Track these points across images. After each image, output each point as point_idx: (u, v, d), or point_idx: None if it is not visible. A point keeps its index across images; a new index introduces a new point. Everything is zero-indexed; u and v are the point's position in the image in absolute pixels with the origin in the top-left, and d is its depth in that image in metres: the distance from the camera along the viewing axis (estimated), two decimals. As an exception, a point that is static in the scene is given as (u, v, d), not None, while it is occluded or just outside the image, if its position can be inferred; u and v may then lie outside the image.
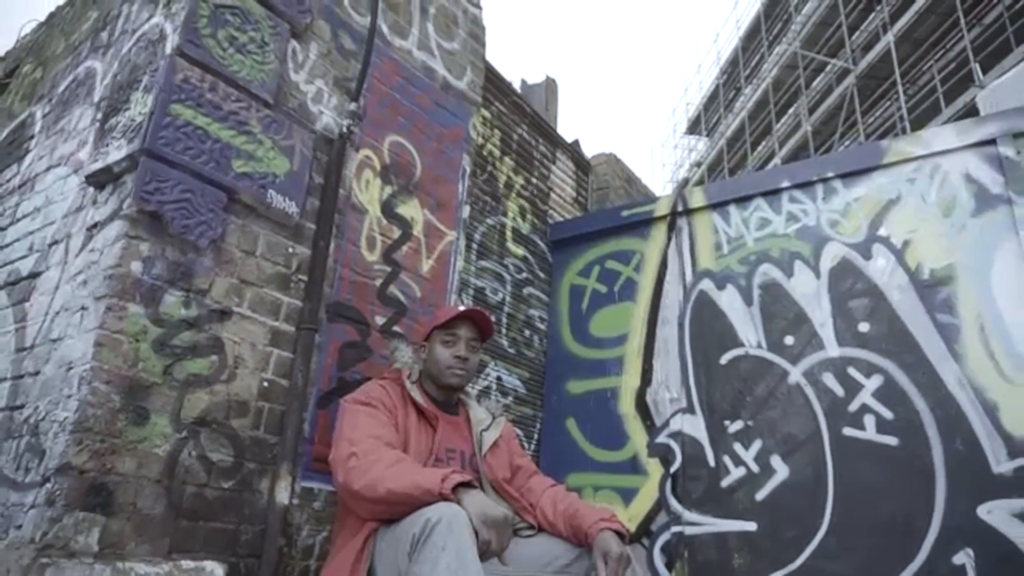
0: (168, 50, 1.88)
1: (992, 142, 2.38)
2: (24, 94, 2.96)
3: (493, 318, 2.96)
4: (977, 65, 14.46)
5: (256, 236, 1.96)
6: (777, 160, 21.76)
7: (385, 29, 2.53)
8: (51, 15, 3.57)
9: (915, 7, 15.27)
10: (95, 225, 1.81)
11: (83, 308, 1.68)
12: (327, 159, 2.19)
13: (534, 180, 3.42)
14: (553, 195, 3.55)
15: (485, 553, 1.40)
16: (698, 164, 28.81)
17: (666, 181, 31.62)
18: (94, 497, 1.51)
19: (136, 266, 1.67)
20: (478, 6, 3.07)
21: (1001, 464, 2.10)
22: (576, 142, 3.96)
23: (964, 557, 2.07)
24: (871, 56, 17.01)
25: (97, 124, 2.08)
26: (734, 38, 24.03)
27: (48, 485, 1.49)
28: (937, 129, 2.53)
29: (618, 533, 1.68)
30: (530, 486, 1.93)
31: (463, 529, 1.37)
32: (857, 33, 18.64)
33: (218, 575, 1.67)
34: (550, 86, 4.40)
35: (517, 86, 4.46)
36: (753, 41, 23.26)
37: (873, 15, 18.03)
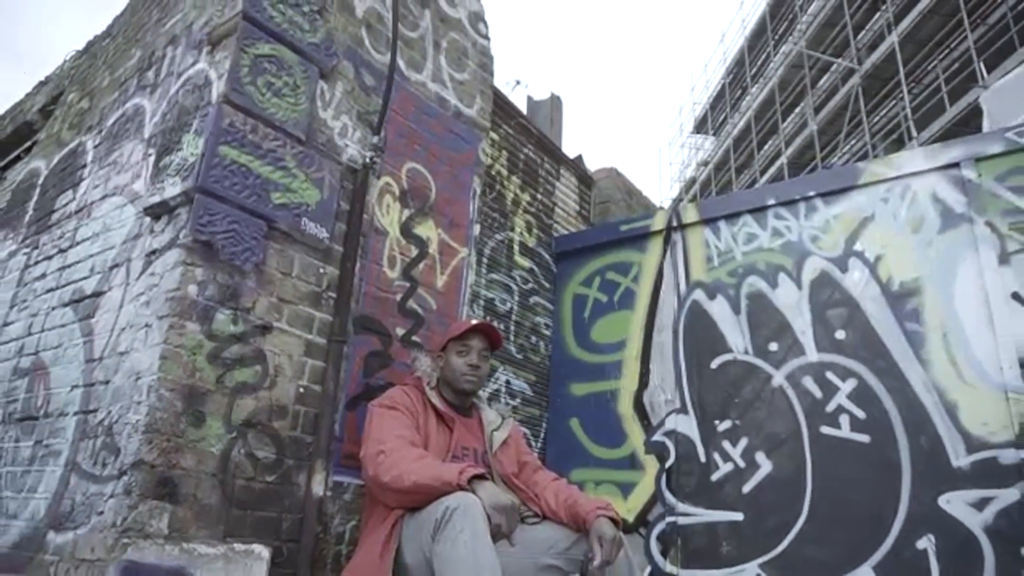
0: (215, 97, 2.14)
1: (956, 165, 2.61)
2: (72, 123, 3.24)
3: (502, 326, 3.21)
4: (982, 64, 14.55)
5: (292, 259, 2.22)
6: (783, 159, 21.88)
7: (402, 65, 2.79)
8: (90, 44, 3.85)
9: (919, 7, 15.37)
10: (153, 252, 2.08)
11: (147, 325, 1.94)
12: (352, 188, 2.45)
13: (540, 196, 3.67)
14: (558, 209, 3.79)
15: (496, 535, 1.65)
16: (705, 163, 28.93)
17: (673, 180, 31.71)
18: (163, 488, 1.77)
19: (192, 289, 1.93)
20: (486, 37, 3.32)
21: (960, 459, 2.33)
22: (579, 157, 4.21)
23: (926, 542, 2.31)
24: (875, 56, 17.12)
25: (150, 159, 2.34)
26: (740, 38, 24.11)
27: (125, 478, 1.75)
28: (908, 153, 2.76)
29: (612, 520, 1.93)
30: (535, 479, 2.18)
31: (478, 514, 1.62)
32: (862, 33, 18.73)
33: (264, 556, 1.93)
34: (555, 102, 4.64)
35: (524, 102, 4.71)
36: (759, 41, 23.35)
37: (878, 15, 18.12)
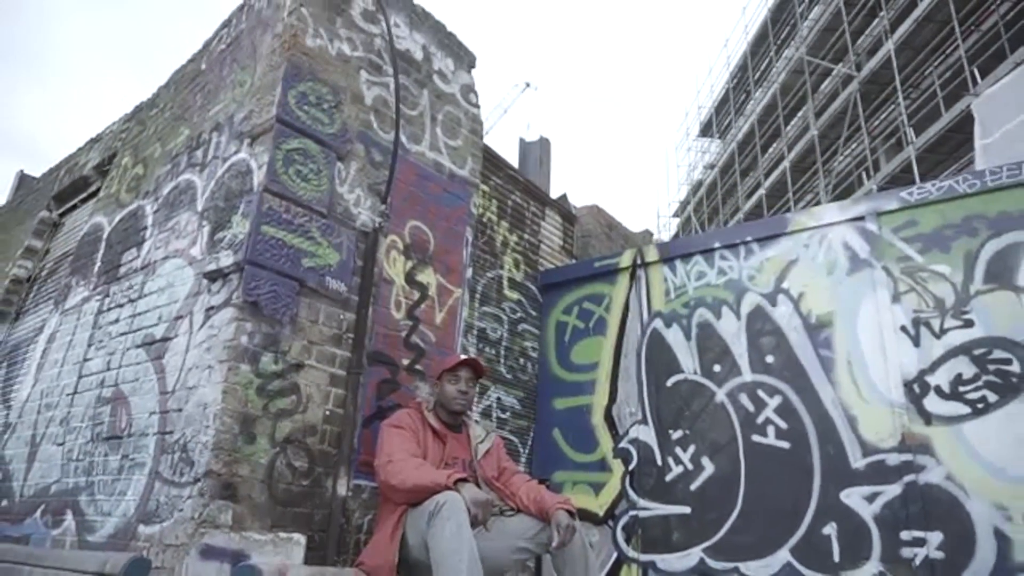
0: (256, 184, 2.74)
1: (862, 218, 3.16)
2: (129, 187, 3.86)
3: (493, 352, 3.79)
4: (976, 70, 14.92)
5: (318, 310, 2.81)
6: (786, 163, 22.27)
7: (404, 140, 3.38)
8: (137, 110, 4.48)
9: (914, 15, 15.77)
10: (212, 308, 2.68)
11: (210, 367, 2.54)
12: (365, 247, 3.04)
13: (526, 236, 4.25)
14: (543, 246, 4.37)
15: (475, 523, 2.23)
16: (711, 166, 29.32)
17: (680, 182, 32.10)
18: (226, 491, 2.37)
19: (244, 339, 2.53)
20: (476, 106, 3.90)
21: (857, 461, 2.88)
22: (563, 196, 4.78)
23: (830, 529, 2.86)
24: (873, 62, 17.52)
25: (204, 229, 2.95)
26: (743, 43, 24.50)
27: (199, 484, 2.35)
28: (825, 207, 3.31)
29: (569, 512, 2.50)
30: (512, 481, 2.75)
31: (461, 507, 2.20)
32: (862, 38, 19.11)
33: (301, 542, 2.52)
34: (544, 144, 5.24)
35: (516, 145, 5.28)
36: (761, 46, 23.75)
37: (876, 20, 18.49)
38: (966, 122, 14.46)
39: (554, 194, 4.98)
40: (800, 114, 22.42)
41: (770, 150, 24.39)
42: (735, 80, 25.80)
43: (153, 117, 4.11)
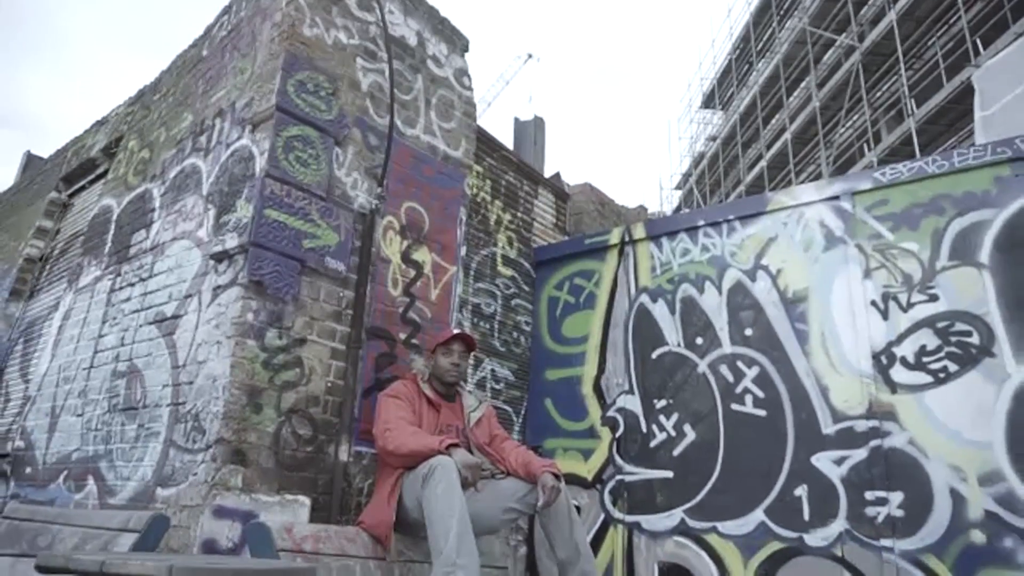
0: (258, 170, 2.90)
1: (837, 198, 3.30)
2: (136, 170, 4.01)
3: (487, 327, 3.96)
4: (979, 40, 14.86)
5: (319, 288, 2.98)
6: (788, 135, 22.23)
7: (399, 124, 3.51)
8: (141, 93, 4.61)
9: (916, -15, 15.61)
10: (219, 287, 2.85)
11: (218, 342, 2.72)
12: (362, 228, 3.20)
13: (520, 214, 4.39)
14: (536, 224, 4.52)
15: (465, 485, 2.42)
16: (713, 138, 29.22)
17: (683, 154, 32.02)
18: (237, 457, 2.56)
19: (250, 316, 2.71)
20: (470, 88, 4.03)
21: (828, 427, 3.06)
22: (556, 175, 4.91)
23: (801, 491, 3.05)
24: (875, 33, 17.42)
25: (210, 212, 3.11)
26: (746, 14, 24.30)
27: (211, 450, 2.54)
28: (803, 186, 3.45)
29: (555, 475, 2.69)
30: (502, 447, 2.94)
31: (451, 470, 2.39)
32: (865, 8, 18.95)
33: (306, 504, 2.71)
34: (538, 123, 5.37)
35: (511, 125, 5.40)
36: (764, 16, 23.56)
37: (878, -9, 18.31)
38: (967, 93, 14.43)
39: (548, 171, 5.11)
40: (803, 85, 22.31)
41: (772, 122, 24.31)
42: (738, 51, 25.62)
43: (157, 102, 4.25)
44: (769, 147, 23.64)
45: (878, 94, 18.73)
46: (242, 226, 2.81)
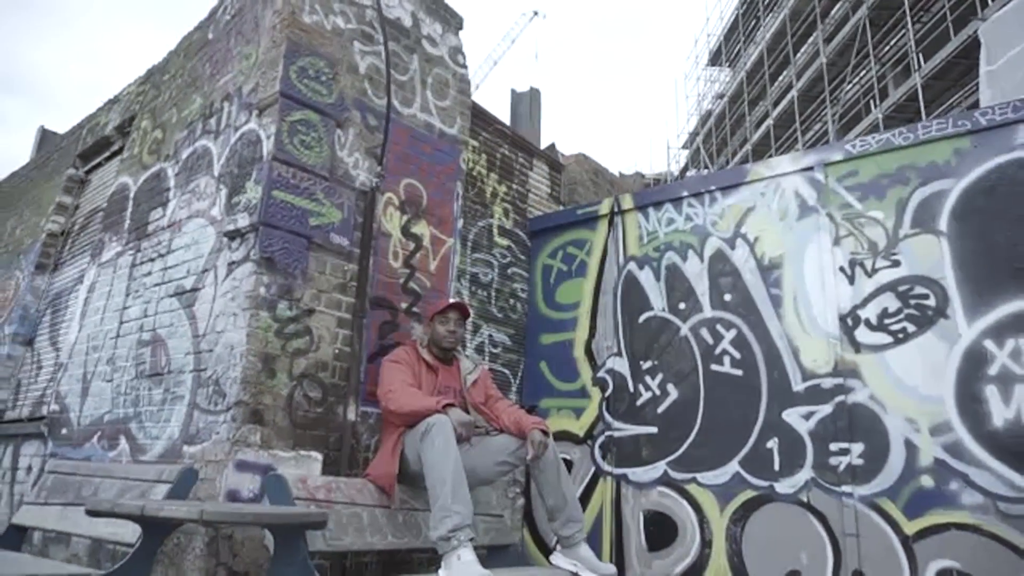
0: (266, 153, 3.11)
1: (811, 168, 3.49)
2: (150, 150, 4.23)
3: (484, 294, 4.21)
4: (986, -7, 14.64)
5: (325, 262, 3.22)
6: (794, 92, 22.04)
7: (397, 104, 3.70)
8: (150, 73, 4.80)
9: (923, -63, 15.36)
10: (233, 263, 3.10)
11: (234, 314, 2.98)
12: (364, 205, 3.42)
13: (515, 186, 4.60)
14: (531, 195, 4.72)
15: (459, 440, 2.69)
16: (720, 96, 28.95)
17: (690, 112, 31.75)
18: (254, 417, 2.84)
19: (262, 289, 2.96)
20: (464, 67, 4.20)
21: (797, 385, 3.31)
22: (551, 146, 5.10)
23: (773, 443, 3.31)
24: (882, -13, 17.14)
25: (222, 192, 3.34)
26: (753, -33, 23.84)
27: (231, 411, 2.82)
28: (780, 158, 3.64)
29: (543, 431, 2.96)
30: (497, 406, 3.21)
31: (447, 427, 2.66)
32: (873, -39, 18.60)
33: (318, 459, 3.00)
34: (534, 94, 5.54)
35: (508, 96, 5.55)
36: (771, -30, 23.10)
37: (888, -59, 17.98)
38: (974, 48, 14.29)
39: (545, 141, 5.29)
40: (810, 41, 22.04)
41: (779, 79, 24.07)
42: (745, 5, 25.24)
43: (167, 82, 4.44)
44: (775, 105, 23.45)
45: (885, 49, 18.52)
46: (252, 206, 3.05)
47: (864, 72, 19.20)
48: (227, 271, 3.12)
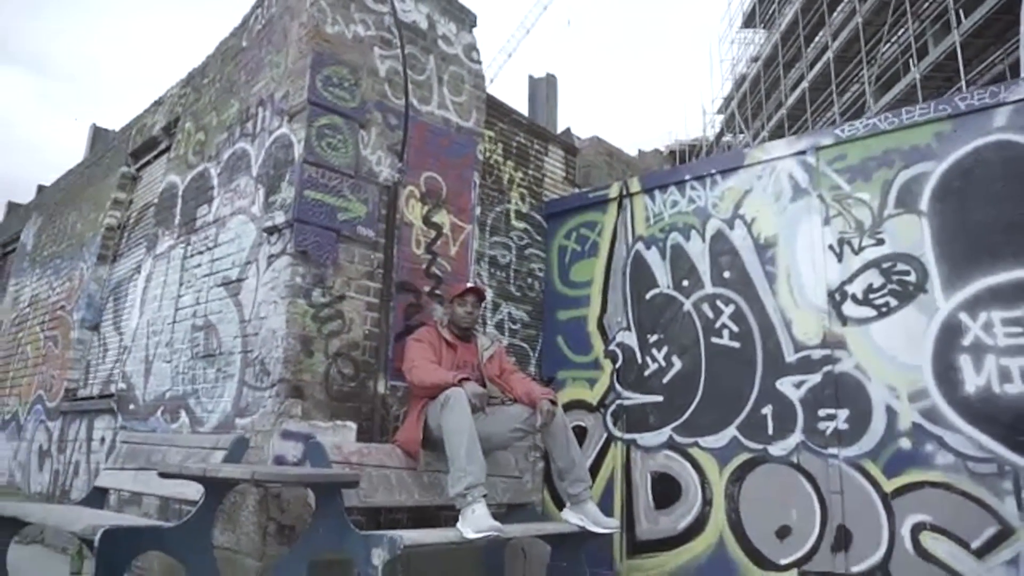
0: (297, 156, 3.46)
1: (804, 152, 3.70)
2: (195, 151, 4.63)
3: (503, 275, 4.52)
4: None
5: (354, 252, 3.58)
6: (830, 53, 21.57)
7: (415, 103, 4.01)
8: (191, 76, 5.18)
9: None
10: (272, 256, 3.47)
11: (275, 302, 3.36)
12: (387, 199, 3.75)
13: (531, 172, 4.88)
14: (547, 179, 4.99)
15: (474, 410, 3.04)
16: (755, 59, 28.40)
17: (724, 77, 31.23)
18: (295, 392, 3.23)
19: (299, 279, 3.33)
20: (478, 62, 4.46)
21: (790, 356, 3.56)
22: (567, 131, 5.35)
23: (767, 410, 3.58)
24: (918, -57, 16.67)
25: (260, 191, 3.71)
26: (787, -76, 23.27)
27: (275, 387, 3.22)
28: (776, 142, 3.84)
29: (552, 401, 3.29)
30: (511, 379, 3.55)
31: (463, 399, 3.01)
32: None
33: (353, 428, 3.39)
34: (550, 80, 5.74)
35: (526, 82, 5.80)
36: (806, -74, 22.53)
37: None
38: (1015, 2, 13.86)
39: (569, 120, 5.54)
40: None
41: (815, 40, 23.55)
42: (779, -36, 24.64)
43: (206, 86, 4.82)
44: (811, 67, 22.99)
45: (924, 5, 17.99)
46: (287, 205, 3.41)
47: (902, 30, 18.71)
48: (267, 263, 3.50)
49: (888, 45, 19.35)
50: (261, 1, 4.36)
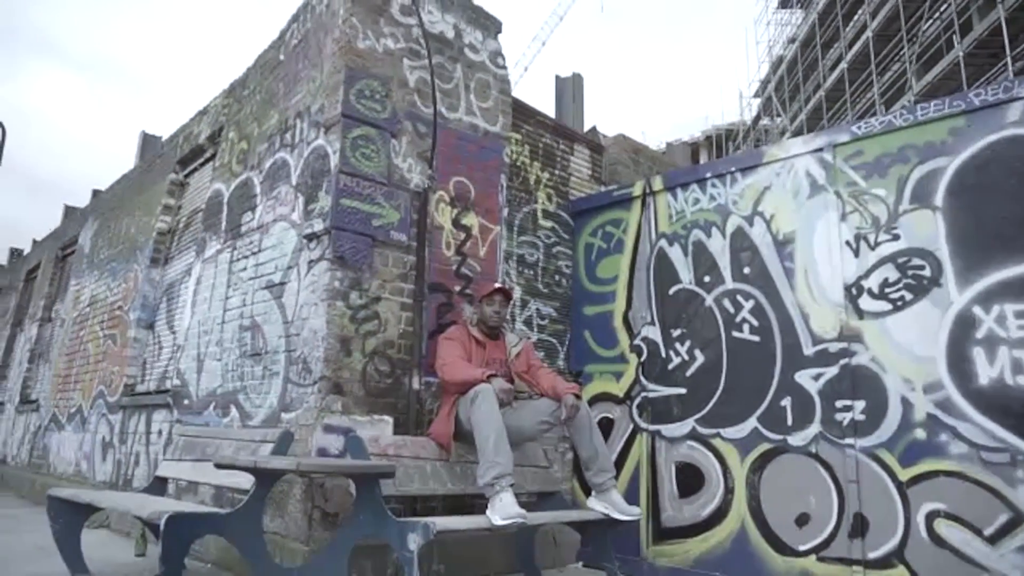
0: (333, 167, 3.68)
1: (821, 150, 3.78)
2: (238, 159, 4.90)
3: (531, 273, 4.70)
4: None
5: (388, 256, 3.79)
6: (869, 32, 21.09)
7: (443, 111, 4.19)
8: (232, 87, 5.45)
9: None
10: (312, 261, 3.71)
11: (315, 304, 3.60)
12: (418, 204, 3.96)
13: (557, 172, 5.03)
14: (573, 178, 5.14)
15: (502, 404, 3.24)
16: (792, 40, 27.87)
17: (761, 60, 30.70)
18: (336, 389, 3.47)
19: (337, 283, 3.56)
20: (504, 67, 4.63)
21: (808, 349, 3.67)
22: (593, 129, 5.48)
23: (786, 402, 3.70)
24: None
25: (300, 200, 3.94)
26: (823, -99, 22.75)
27: (317, 384, 3.46)
28: (793, 140, 3.92)
29: (576, 395, 3.47)
30: (538, 374, 3.73)
31: (491, 394, 3.21)
32: None
33: (389, 422, 3.62)
34: (576, 80, 5.86)
35: (552, 81, 5.93)
36: (842, -100, 21.99)
37: None
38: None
39: (592, 118, 5.66)
40: (886, -25, 20.89)
41: (854, 18, 23.01)
42: (815, -58, 24.11)
43: (247, 97, 5.08)
44: (850, 47, 22.50)
45: (967, -17, 17.44)
46: (324, 213, 3.64)
47: (944, 6, 18.19)
48: (307, 268, 3.74)
49: (930, 22, 18.83)
50: (297, 16, 4.59)
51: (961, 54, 16.81)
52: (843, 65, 22.33)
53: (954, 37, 17.49)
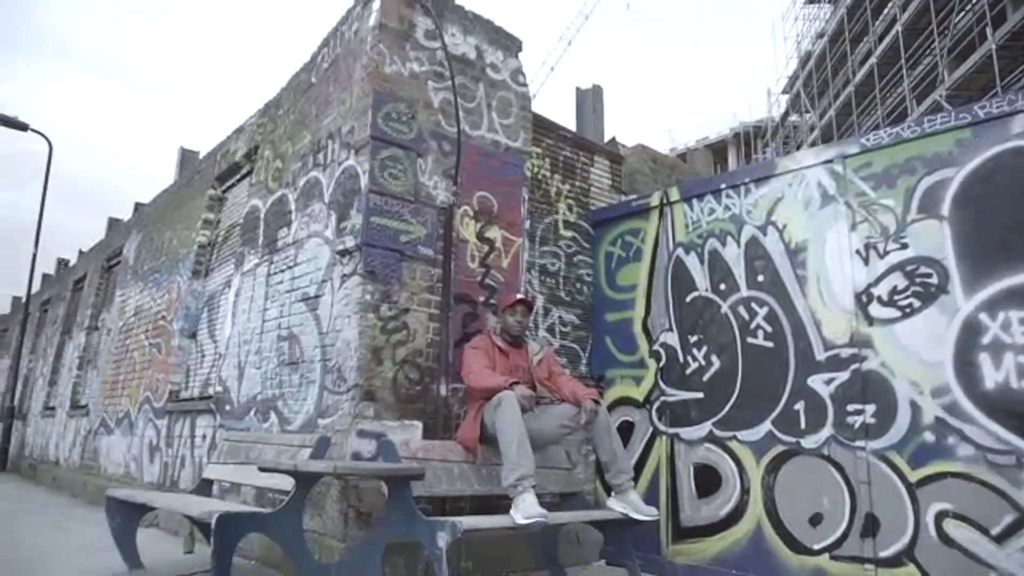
0: (363, 186, 3.91)
1: (831, 161, 3.90)
2: (273, 177, 5.17)
3: (552, 282, 4.88)
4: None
5: (415, 270, 4.01)
6: (899, 27, 20.84)
7: (466, 129, 4.40)
8: (267, 107, 5.72)
9: None
10: (345, 275, 3.94)
11: (348, 316, 3.83)
12: (444, 219, 4.16)
13: (577, 183, 5.20)
14: (593, 189, 5.31)
15: (524, 410, 3.43)
16: (820, 35, 27.58)
17: (788, 56, 30.44)
18: (368, 396, 3.69)
19: (368, 296, 3.78)
20: (524, 85, 4.82)
21: (820, 354, 3.79)
22: (612, 140, 5.63)
23: (799, 406, 3.82)
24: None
25: (332, 217, 4.18)
26: None
27: (351, 392, 3.68)
28: (805, 152, 4.05)
29: (595, 400, 3.65)
30: (559, 381, 3.92)
31: (513, 400, 3.40)
32: None
33: (419, 427, 3.83)
34: (596, 91, 6.01)
35: (573, 93, 6.11)
36: None
37: None
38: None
39: (612, 128, 5.81)
40: (915, -32, 20.61)
41: (883, 12, 22.71)
42: (842, -64, 23.84)
43: (281, 117, 5.35)
44: (879, 41, 22.21)
45: (999, -25, 17.14)
46: (356, 231, 3.87)
47: (976, 1, 17.89)
48: (340, 282, 3.97)
49: (961, 14, 18.54)
50: (327, 41, 4.84)
51: (994, 47, 16.54)
52: (872, 60, 22.08)
53: (987, 29, 17.21)
